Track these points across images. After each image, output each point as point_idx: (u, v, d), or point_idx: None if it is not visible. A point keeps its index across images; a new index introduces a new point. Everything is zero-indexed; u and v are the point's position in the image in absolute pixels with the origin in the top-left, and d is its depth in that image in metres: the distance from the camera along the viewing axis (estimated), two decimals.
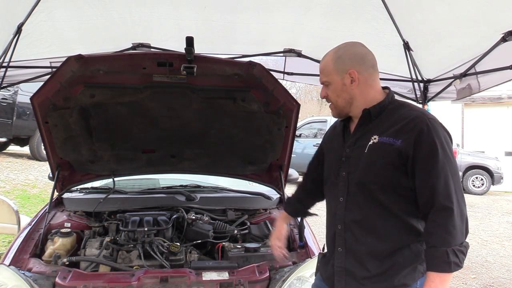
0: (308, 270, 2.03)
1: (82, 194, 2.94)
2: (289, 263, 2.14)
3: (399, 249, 1.42)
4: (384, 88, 1.54)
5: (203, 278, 1.97)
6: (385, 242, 1.42)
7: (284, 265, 2.12)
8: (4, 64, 3.08)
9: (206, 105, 2.47)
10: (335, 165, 1.55)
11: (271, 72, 2.36)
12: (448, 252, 1.27)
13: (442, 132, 1.38)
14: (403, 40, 3.22)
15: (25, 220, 3.51)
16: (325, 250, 1.71)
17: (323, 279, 1.64)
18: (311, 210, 1.93)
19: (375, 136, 1.43)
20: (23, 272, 1.96)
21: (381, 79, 1.60)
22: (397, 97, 4.01)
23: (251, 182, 3.06)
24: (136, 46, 3.53)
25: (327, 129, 1.83)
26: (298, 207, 1.91)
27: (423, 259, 1.43)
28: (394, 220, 1.41)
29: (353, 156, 1.49)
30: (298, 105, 2.44)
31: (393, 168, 1.38)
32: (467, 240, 1.33)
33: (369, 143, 1.44)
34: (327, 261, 1.61)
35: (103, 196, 2.72)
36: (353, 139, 1.51)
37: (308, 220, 2.61)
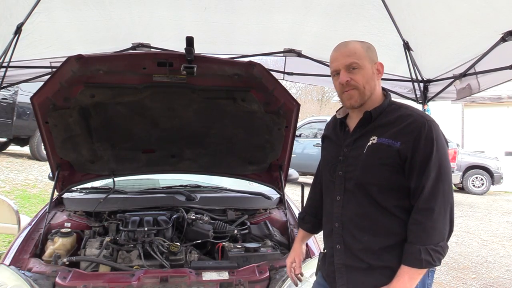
0: (308, 270, 2.02)
1: (82, 194, 2.94)
2: None
3: (394, 245, 1.44)
4: (382, 89, 1.57)
5: (203, 278, 1.97)
6: (381, 239, 1.44)
7: (284, 265, 2.12)
8: (4, 64, 3.08)
9: (206, 105, 2.47)
10: (332, 164, 1.57)
11: (271, 72, 2.36)
12: (421, 250, 1.33)
13: (440, 134, 1.41)
14: (403, 40, 3.22)
15: (25, 220, 3.51)
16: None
17: (323, 277, 1.65)
18: None
19: (374, 137, 1.45)
20: (23, 272, 1.96)
21: (381, 78, 1.61)
22: (397, 97, 4.00)
23: (251, 182, 3.06)
24: (136, 46, 3.53)
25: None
26: (314, 222, 1.83)
27: None
28: (390, 218, 1.43)
29: (351, 156, 1.50)
30: (298, 105, 2.44)
31: (391, 169, 1.40)
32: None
33: (368, 143, 1.45)
34: (325, 259, 1.63)
35: (103, 196, 2.72)
36: (351, 139, 1.52)
37: None
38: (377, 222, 1.44)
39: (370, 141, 1.45)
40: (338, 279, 1.52)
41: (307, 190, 2.38)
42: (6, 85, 3.45)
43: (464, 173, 11.57)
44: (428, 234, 1.34)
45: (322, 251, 1.73)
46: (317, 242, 2.37)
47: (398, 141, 1.39)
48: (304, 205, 1.98)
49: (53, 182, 2.68)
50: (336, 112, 1.65)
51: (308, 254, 2.23)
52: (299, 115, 2.50)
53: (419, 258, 1.33)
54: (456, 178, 11.13)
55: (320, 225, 1.81)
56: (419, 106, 3.66)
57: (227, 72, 2.30)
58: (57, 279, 1.90)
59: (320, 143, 1.79)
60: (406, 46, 3.26)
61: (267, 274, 2.05)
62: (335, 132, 1.64)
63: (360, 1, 2.94)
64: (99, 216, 2.67)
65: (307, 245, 2.29)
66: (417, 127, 1.38)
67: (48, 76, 2.53)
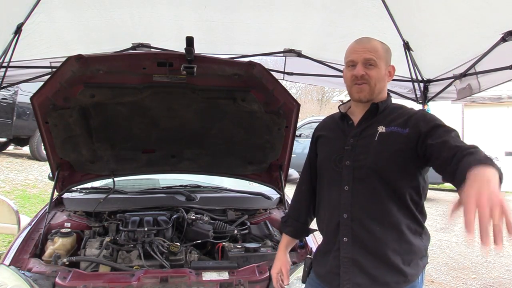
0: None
1: (82, 194, 2.94)
2: None
3: (405, 241, 1.45)
4: None
5: (203, 278, 1.97)
6: (392, 230, 1.44)
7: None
8: (4, 64, 3.08)
9: (206, 105, 2.47)
10: (336, 155, 1.56)
11: (271, 72, 2.36)
12: (485, 156, 1.14)
13: None
14: (403, 40, 3.22)
15: (25, 220, 3.51)
16: (312, 255, 1.72)
17: (320, 276, 1.60)
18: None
19: (382, 127, 1.49)
20: (23, 272, 1.96)
21: None
22: (397, 97, 4.00)
23: (251, 182, 3.06)
24: (136, 46, 3.53)
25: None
26: (297, 225, 1.78)
27: (423, 254, 1.50)
28: (399, 207, 1.44)
29: (360, 145, 1.51)
30: (298, 105, 2.44)
31: (403, 154, 1.43)
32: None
33: (378, 132, 1.48)
34: (327, 255, 1.57)
35: (103, 196, 2.72)
36: (357, 130, 1.55)
37: None
38: (387, 211, 1.44)
39: (379, 130, 1.48)
40: (343, 273, 1.48)
41: None
42: (6, 85, 3.45)
43: None
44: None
45: (309, 255, 1.71)
46: (317, 242, 2.36)
47: (406, 128, 1.45)
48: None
49: (53, 182, 2.68)
50: (339, 107, 1.68)
51: (308, 253, 2.23)
52: (299, 115, 2.50)
53: (488, 161, 1.10)
54: None
55: (304, 230, 1.79)
56: (419, 106, 3.66)
57: (227, 72, 2.30)
58: (57, 279, 1.89)
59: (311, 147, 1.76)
60: (406, 46, 3.26)
61: (267, 274, 2.04)
62: (337, 127, 1.64)
63: (360, 1, 2.94)
64: (99, 216, 2.66)
65: (306, 245, 2.30)
66: (422, 115, 1.48)
67: (48, 76, 2.53)
